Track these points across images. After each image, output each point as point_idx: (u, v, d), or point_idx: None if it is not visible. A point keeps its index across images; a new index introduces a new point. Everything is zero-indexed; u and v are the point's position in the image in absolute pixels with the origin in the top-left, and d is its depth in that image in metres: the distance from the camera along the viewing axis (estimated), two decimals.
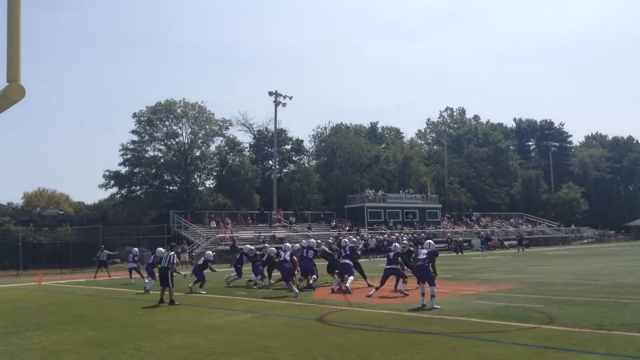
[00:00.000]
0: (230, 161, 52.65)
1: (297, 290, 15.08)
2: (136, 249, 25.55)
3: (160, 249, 22.07)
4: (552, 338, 8.15)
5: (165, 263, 14.38)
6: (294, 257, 15.96)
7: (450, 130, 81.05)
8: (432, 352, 7.39)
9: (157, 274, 15.76)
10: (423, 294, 12.20)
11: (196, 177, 51.66)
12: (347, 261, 16.22)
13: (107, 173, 47.84)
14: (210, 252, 19.76)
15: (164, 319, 11.43)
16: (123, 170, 48.39)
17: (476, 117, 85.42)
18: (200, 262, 18.04)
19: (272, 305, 13.11)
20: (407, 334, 8.83)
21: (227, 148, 53.27)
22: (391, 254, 14.98)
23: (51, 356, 8.09)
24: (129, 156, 48.34)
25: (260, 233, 44.67)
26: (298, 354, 7.56)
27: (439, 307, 11.53)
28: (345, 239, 18.83)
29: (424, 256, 13.24)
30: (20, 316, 12.88)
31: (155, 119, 48.51)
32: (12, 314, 13.45)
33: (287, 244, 19.37)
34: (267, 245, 21.42)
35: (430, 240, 14.80)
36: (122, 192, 48.78)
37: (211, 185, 54.79)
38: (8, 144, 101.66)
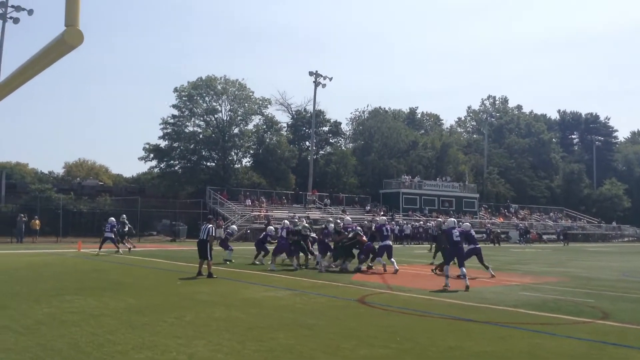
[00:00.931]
0: (267, 140, 52.64)
1: (274, 267, 16.55)
2: (113, 218, 24.20)
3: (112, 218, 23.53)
4: (609, 333, 7.72)
5: (204, 235, 14.31)
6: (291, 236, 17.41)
7: (492, 119, 79.36)
8: (481, 341, 7.05)
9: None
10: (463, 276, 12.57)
11: (233, 154, 51.83)
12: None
13: (147, 146, 48.37)
14: (234, 227, 19.88)
15: (202, 291, 11.35)
16: (162, 144, 48.86)
17: (519, 107, 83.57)
18: (261, 236, 18.48)
19: (311, 285, 12.92)
20: (453, 321, 8.51)
21: (265, 127, 53.23)
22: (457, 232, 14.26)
23: (92, 320, 8.04)
24: (168, 130, 48.73)
25: (294, 213, 44.66)
26: (341, 333, 7.32)
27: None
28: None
29: (458, 237, 13.50)
30: (61, 281, 12.99)
31: (195, 94, 48.70)
32: (53, 278, 13.59)
33: (286, 221, 19.13)
34: (303, 220, 21.11)
35: (468, 223, 14.93)
36: (161, 165, 49.27)
37: (247, 164, 54.97)
38: (50, 114, 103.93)
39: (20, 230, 32.57)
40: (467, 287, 12.26)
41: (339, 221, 18.08)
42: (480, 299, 10.82)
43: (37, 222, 33.72)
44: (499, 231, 46.65)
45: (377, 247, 16.70)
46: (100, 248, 22.59)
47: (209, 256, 14.00)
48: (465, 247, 15.04)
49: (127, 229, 25.26)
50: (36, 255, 21.59)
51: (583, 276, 16.42)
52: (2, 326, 7.53)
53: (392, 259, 16.24)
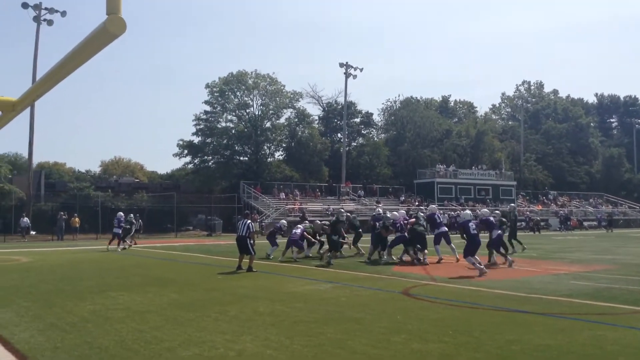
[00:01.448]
0: (299, 133, 52.54)
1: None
2: (121, 212, 24.06)
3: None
4: None
5: (244, 232, 14.20)
6: (305, 234, 17.88)
7: (527, 105, 77.65)
8: (540, 333, 6.71)
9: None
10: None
11: (266, 148, 51.89)
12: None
13: (181, 142, 48.80)
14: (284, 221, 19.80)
15: (244, 285, 11.24)
16: (196, 140, 49.20)
17: (555, 92, 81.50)
18: (299, 231, 18.11)
19: (352, 277, 12.70)
20: (507, 313, 8.17)
21: (296, 120, 53.13)
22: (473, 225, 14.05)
23: (137, 316, 7.97)
24: (201, 126, 49.06)
25: (329, 205, 44.49)
26: (391, 327, 7.07)
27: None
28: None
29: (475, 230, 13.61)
30: (104, 277, 13.06)
31: (227, 89, 48.87)
32: (96, 274, 13.68)
33: (300, 225, 18.96)
34: (342, 211, 20.84)
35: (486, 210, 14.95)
36: (195, 161, 49.66)
37: (280, 157, 54.99)
38: (86, 113, 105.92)
39: (61, 228, 33.19)
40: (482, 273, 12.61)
41: (389, 216, 17.62)
42: (530, 289, 10.43)
43: (77, 219, 34.31)
44: (538, 219, 45.67)
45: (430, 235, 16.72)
46: (109, 244, 22.82)
47: (252, 251, 13.94)
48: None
49: (132, 227, 24.46)
50: (77, 252, 21.90)
51: (633, 263, 15.79)
52: (49, 324, 7.52)
53: (452, 245, 16.17)
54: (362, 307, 8.61)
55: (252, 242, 14.11)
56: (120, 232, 22.82)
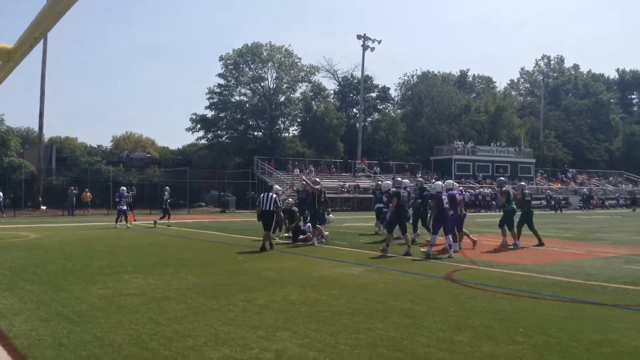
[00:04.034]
0: (314, 107, 51.31)
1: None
2: (124, 187, 22.57)
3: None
4: None
5: (270, 206, 13.32)
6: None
7: (548, 80, 75.61)
8: (626, 332, 5.69)
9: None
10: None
11: (280, 123, 50.76)
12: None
13: (194, 116, 47.82)
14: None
15: (269, 268, 10.27)
16: (209, 114, 48.17)
17: (575, 67, 79.32)
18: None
19: (382, 259, 11.69)
20: (574, 305, 7.13)
21: (312, 94, 51.85)
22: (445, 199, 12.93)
23: (153, 304, 7.03)
24: (215, 100, 47.97)
25: (344, 182, 43.50)
26: (447, 322, 6.08)
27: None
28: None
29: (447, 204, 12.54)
30: (116, 256, 12.16)
31: (241, 62, 47.66)
32: (108, 252, 12.80)
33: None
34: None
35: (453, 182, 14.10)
36: (208, 136, 48.69)
37: (295, 132, 53.89)
38: (98, 88, 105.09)
39: (72, 203, 32.45)
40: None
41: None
42: (585, 275, 9.39)
43: (89, 194, 33.54)
44: (560, 197, 44.45)
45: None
46: (126, 221, 21.58)
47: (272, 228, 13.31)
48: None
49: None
50: (88, 229, 21.10)
51: None
52: (55, 312, 6.60)
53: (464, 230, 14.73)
54: (406, 295, 7.61)
55: (279, 218, 13.26)
56: (125, 208, 21.61)
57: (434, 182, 14.52)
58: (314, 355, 4.91)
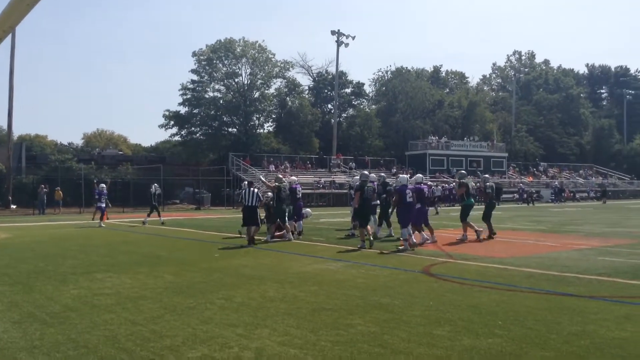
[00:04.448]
0: (289, 103, 51.13)
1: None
2: (103, 184, 22.14)
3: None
4: None
5: (253, 202, 13.48)
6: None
7: (520, 75, 76.55)
8: (603, 323, 5.75)
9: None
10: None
11: (255, 119, 50.45)
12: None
13: (167, 113, 47.26)
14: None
15: (246, 264, 10.18)
16: (183, 110, 47.66)
17: (546, 62, 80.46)
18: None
19: (360, 254, 11.68)
20: (551, 297, 7.20)
21: (286, 90, 51.66)
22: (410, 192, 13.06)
23: (129, 303, 6.90)
24: (188, 96, 47.45)
25: (320, 177, 43.49)
26: (428, 317, 6.08)
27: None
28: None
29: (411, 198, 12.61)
30: (89, 255, 11.93)
31: (215, 57, 47.20)
32: (81, 252, 12.55)
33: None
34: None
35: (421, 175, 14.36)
36: (182, 132, 48.18)
37: (270, 128, 53.66)
38: (68, 85, 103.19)
39: (42, 201, 31.83)
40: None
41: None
42: (560, 267, 9.51)
43: (60, 192, 32.90)
44: (533, 191, 45.10)
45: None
46: (101, 219, 21.26)
47: (258, 223, 13.63)
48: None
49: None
50: (60, 227, 20.70)
51: None
52: (27, 314, 6.43)
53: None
54: (385, 290, 7.60)
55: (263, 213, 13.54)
56: (104, 205, 21.34)
57: (399, 176, 14.45)
58: (295, 353, 4.85)
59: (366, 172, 15.38)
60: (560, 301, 6.91)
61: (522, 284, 8.04)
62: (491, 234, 14.49)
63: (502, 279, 8.43)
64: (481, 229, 14.25)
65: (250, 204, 13.57)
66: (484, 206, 15.30)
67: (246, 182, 14.81)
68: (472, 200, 14.88)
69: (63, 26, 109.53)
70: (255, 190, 13.83)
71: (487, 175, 17.14)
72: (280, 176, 16.46)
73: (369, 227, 13.18)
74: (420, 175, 14.77)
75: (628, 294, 7.33)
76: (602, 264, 9.94)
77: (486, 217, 14.77)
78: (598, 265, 9.78)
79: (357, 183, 14.13)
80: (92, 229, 19.74)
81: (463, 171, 16.75)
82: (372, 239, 12.88)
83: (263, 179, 17.63)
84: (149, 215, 21.89)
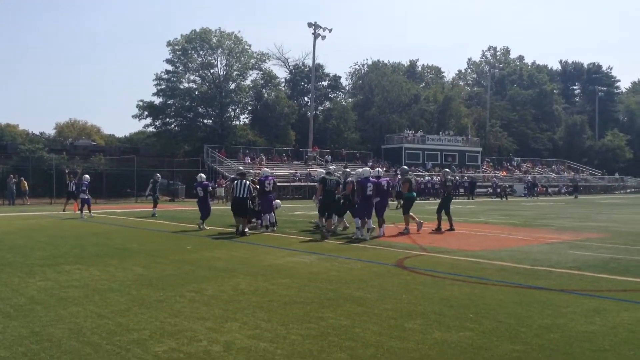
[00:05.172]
0: (265, 95, 50.83)
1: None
2: (87, 176, 21.66)
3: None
4: None
5: (244, 193, 13.64)
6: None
7: (494, 71, 77.29)
8: (573, 316, 5.79)
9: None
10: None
11: (231, 111, 50.06)
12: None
13: (141, 103, 46.61)
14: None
15: (219, 257, 10.06)
16: (157, 101, 47.05)
17: (520, 58, 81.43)
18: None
19: (335, 247, 11.66)
20: (522, 290, 7.24)
21: (262, 82, 51.33)
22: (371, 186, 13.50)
23: (96, 296, 6.75)
24: (163, 87, 46.86)
25: (295, 170, 43.38)
26: (398, 310, 6.06)
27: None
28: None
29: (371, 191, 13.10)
30: (58, 247, 11.68)
31: (190, 48, 46.67)
32: (49, 243, 12.28)
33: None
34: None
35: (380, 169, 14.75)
36: (156, 123, 47.59)
37: (246, 120, 53.31)
38: (40, 74, 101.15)
39: (12, 192, 31.18)
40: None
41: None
42: (532, 261, 9.59)
43: (25, 183, 32.22)
44: (506, 185, 45.65)
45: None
46: (89, 210, 20.86)
47: (247, 214, 14.02)
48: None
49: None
50: (29, 218, 20.27)
51: (624, 231, 15.23)
52: None
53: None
54: (358, 283, 7.57)
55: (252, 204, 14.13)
56: (88, 197, 20.78)
57: (360, 170, 14.56)
58: (265, 346, 4.78)
59: (331, 166, 16.00)
60: (531, 294, 6.95)
61: (494, 277, 8.08)
62: (451, 228, 14.89)
63: (474, 272, 8.46)
64: (422, 222, 14.94)
65: (240, 195, 13.74)
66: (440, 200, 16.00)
67: (239, 174, 14.86)
68: (414, 194, 15.61)
69: (36, 15, 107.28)
70: (247, 182, 13.95)
71: (447, 170, 17.75)
72: (242, 168, 16.73)
73: (330, 220, 13.69)
74: (379, 169, 15.22)
75: (597, 287, 7.41)
76: (573, 257, 10.06)
77: (441, 210, 15.27)
78: (569, 259, 9.89)
79: (319, 176, 14.69)
80: (61, 220, 19.37)
81: (405, 167, 17.59)
82: (329, 230, 13.51)
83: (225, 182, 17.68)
84: (155, 206, 21.84)
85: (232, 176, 15.38)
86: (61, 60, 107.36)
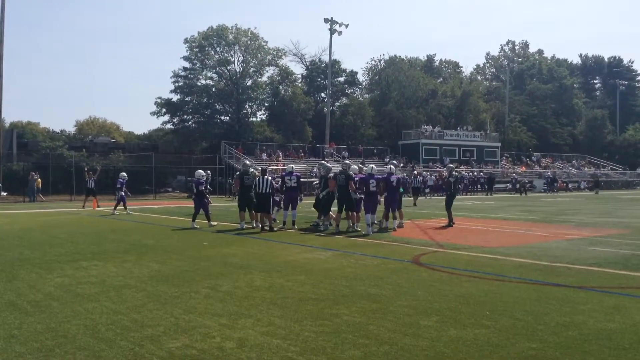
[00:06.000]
0: (282, 92, 50.84)
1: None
2: (124, 173, 21.50)
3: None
4: None
5: (267, 189, 13.90)
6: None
7: (513, 65, 76.44)
8: (592, 314, 5.69)
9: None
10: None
11: (247, 107, 50.16)
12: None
13: (159, 100, 46.89)
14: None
15: (234, 253, 10.07)
16: (174, 98, 47.31)
17: (540, 52, 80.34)
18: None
19: (350, 243, 11.61)
20: (540, 287, 7.13)
21: (279, 78, 51.34)
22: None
23: (112, 292, 6.79)
24: (180, 84, 47.10)
25: (313, 167, 43.31)
26: (414, 307, 6.00)
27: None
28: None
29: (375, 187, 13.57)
30: (76, 243, 11.79)
31: (207, 45, 46.80)
32: (68, 240, 12.40)
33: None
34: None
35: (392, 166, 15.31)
36: (174, 120, 47.87)
37: (263, 117, 53.39)
38: (60, 73, 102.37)
39: (32, 188, 31.59)
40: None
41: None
42: (551, 257, 9.45)
43: (38, 180, 32.58)
44: (526, 180, 45.17)
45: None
46: (115, 207, 20.87)
47: (271, 209, 14.21)
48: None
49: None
50: (50, 215, 20.51)
51: None
52: (7, 302, 6.31)
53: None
54: (373, 280, 7.52)
55: (273, 200, 14.55)
56: (124, 194, 20.58)
57: (367, 166, 15.33)
58: (278, 343, 4.76)
59: (326, 163, 16.54)
60: (549, 291, 6.84)
61: (512, 273, 7.98)
62: (450, 223, 15.16)
63: (491, 269, 8.36)
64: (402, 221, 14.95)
65: (264, 191, 13.99)
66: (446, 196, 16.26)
67: (260, 169, 14.99)
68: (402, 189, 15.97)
69: (55, 13, 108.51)
70: (269, 177, 14.22)
71: (451, 165, 17.77)
72: (248, 163, 16.92)
73: (331, 213, 14.36)
74: (391, 166, 15.65)
75: (617, 284, 7.28)
76: (593, 254, 9.90)
77: (448, 206, 15.53)
78: (588, 255, 9.74)
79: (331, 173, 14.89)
80: (80, 216, 19.56)
81: (451, 165, 17.71)
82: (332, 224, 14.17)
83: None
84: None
85: (237, 172, 15.40)
86: (81, 58, 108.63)
